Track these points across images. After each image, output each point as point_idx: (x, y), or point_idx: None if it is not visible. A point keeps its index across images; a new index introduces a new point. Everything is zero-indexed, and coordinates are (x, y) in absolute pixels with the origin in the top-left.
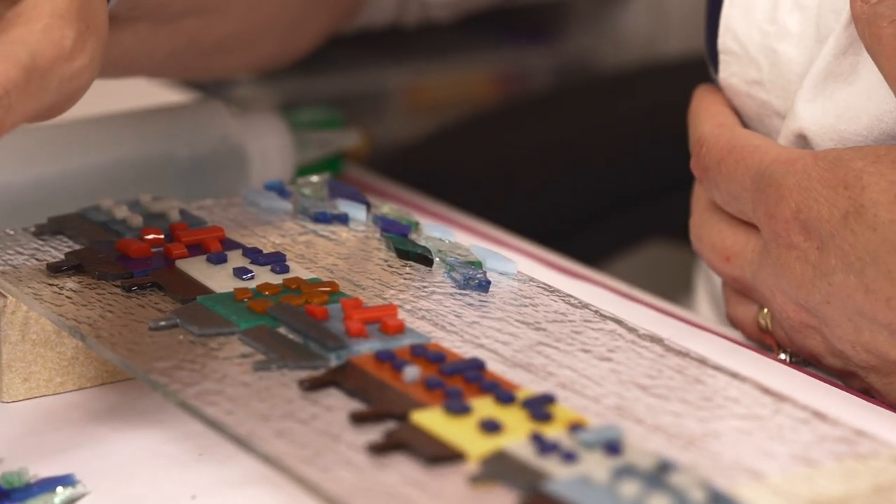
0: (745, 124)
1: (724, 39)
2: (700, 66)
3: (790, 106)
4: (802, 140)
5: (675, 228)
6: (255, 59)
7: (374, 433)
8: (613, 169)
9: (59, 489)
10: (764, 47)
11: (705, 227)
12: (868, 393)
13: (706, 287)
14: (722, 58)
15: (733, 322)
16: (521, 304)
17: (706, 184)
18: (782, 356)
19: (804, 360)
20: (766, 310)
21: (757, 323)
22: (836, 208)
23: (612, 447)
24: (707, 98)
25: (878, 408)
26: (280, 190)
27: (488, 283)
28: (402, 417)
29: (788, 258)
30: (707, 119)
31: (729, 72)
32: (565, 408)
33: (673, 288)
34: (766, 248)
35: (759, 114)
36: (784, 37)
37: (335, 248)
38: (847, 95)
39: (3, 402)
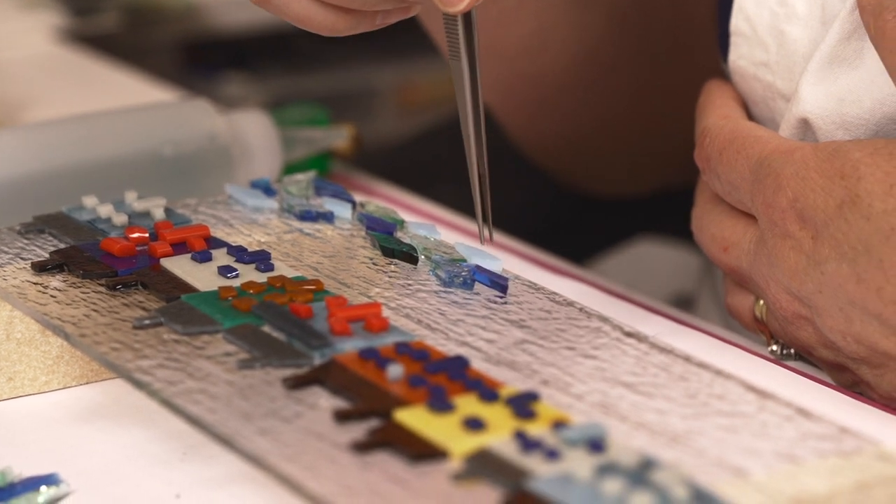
0: (750, 108)
1: (737, 21)
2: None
3: (794, 88)
4: (805, 124)
5: (664, 227)
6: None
7: (358, 431)
8: None
9: (43, 488)
10: (772, 28)
11: (706, 217)
12: (858, 387)
13: (708, 280)
14: (733, 40)
15: (731, 312)
16: (505, 301)
17: (708, 174)
18: (774, 347)
19: (796, 353)
20: (762, 301)
21: (753, 314)
22: (831, 197)
23: (596, 445)
24: (715, 91)
25: (864, 405)
26: (266, 188)
27: (473, 280)
28: (386, 415)
29: (783, 247)
30: (713, 111)
31: (738, 54)
32: (549, 405)
33: (660, 286)
34: (761, 237)
35: (765, 96)
36: (792, 18)
37: (320, 247)
38: (850, 80)
39: None
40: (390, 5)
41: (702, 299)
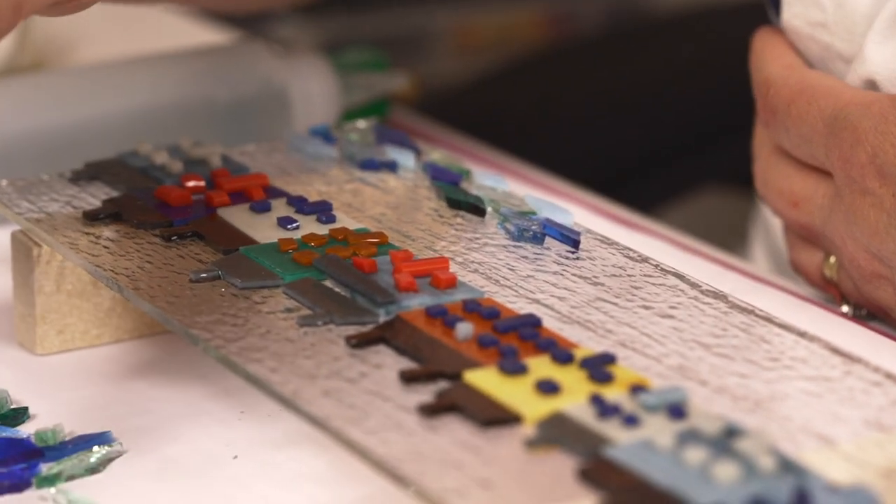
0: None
1: None
2: (754, 9)
3: (855, 49)
4: (871, 85)
5: (731, 174)
6: None
7: (425, 393)
8: (668, 113)
9: (96, 448)
10: None
11: (771, 171)
12: None
13: (763, 237)
14: None
15: (797, 268)
16: (577, 257)
17: (774, 127)
18: (845, 308)
19: (870, 313)
20: (832, 259)
21: (821, 272)
22: None
23: (676, 410)
24: (771, 40)
25: None
26: (325, 135)
27: (543, 234)
28: (455, 377)
29: (863, 204)
30: (773, 60)
31: (791, 13)
32: (626, 368)
33: (731, 236)
34: (838, 193)
35: (823, 57)
36: None
37: (383, 197)
38: None
39: (38, 354)
40: None
41: (755, 252)
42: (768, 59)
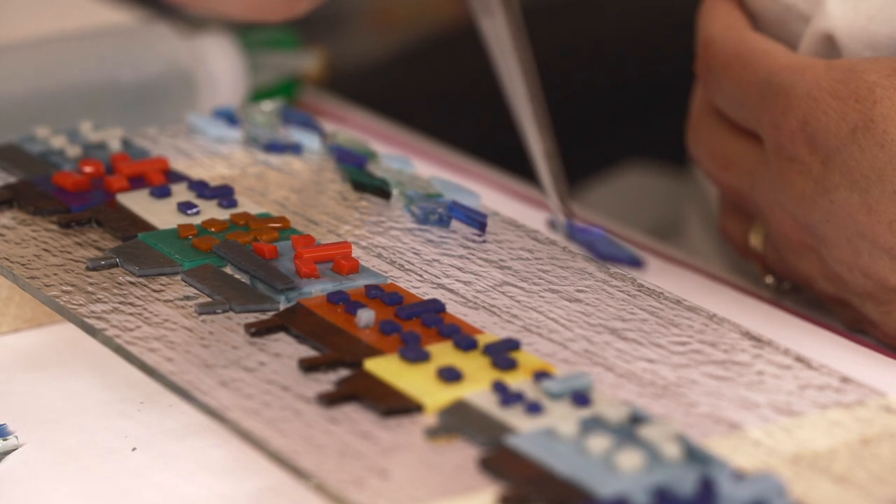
0: (765, 29)
1: None
2: None
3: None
4: (828, 41)
5: (653, 151)
6: None
7: (325, 382)
8: (587, 90)
9: None
10: None
11: (704, 131)
12: (860, 325)
13: (698, 203)
14: None
15: (724, 235)
16: (484, 240)
17: (709, 87)
18: (768, 280)
19: (793, 286)
20: (758, 229)
21: (748, 240)
22: (844, 122)
23: (581, 397)
24: None
25: (867, 350)
26: (230, 117)
27: (450, 217)
28: (356, 365)
29: (790, 172)
30: (716, 20)
31: None
32: (530, 354)
33: (650, 216)
34: (767, 159)
35: (783, 18)
36: None
37: (287, 181)
38: None
39: None
40: None
41: (691, 227)
42: (712, 18)
